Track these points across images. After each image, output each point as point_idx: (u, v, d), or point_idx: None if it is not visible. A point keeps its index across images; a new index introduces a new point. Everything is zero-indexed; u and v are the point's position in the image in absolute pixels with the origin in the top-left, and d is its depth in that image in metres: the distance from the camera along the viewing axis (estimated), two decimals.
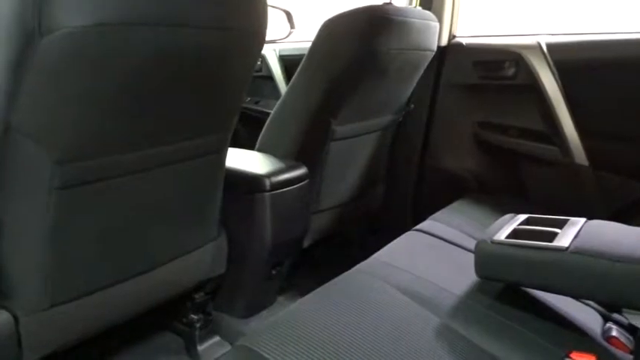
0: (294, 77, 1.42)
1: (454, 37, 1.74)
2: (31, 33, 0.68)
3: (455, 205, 1.44)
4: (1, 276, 0.86)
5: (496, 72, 1.63)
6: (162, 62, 0.84)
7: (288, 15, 2.41)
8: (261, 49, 1.03)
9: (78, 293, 0.94)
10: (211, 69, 0.94)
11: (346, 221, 1.64)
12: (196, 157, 1.05)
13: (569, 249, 0.83)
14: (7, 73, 0.73)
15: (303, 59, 1.39)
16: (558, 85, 1.49)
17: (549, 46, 1.51)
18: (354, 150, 1.54)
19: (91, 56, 0.73)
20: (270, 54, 2.10)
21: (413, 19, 1.39)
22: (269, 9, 2.41)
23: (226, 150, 1.13)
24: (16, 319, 0.87)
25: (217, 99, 1.02)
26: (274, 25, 2.42)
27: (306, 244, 1.47)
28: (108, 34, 0.73)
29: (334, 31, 1.34)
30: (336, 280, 0.95)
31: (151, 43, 0.80)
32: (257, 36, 0.99)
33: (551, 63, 1.50)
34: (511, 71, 1.59)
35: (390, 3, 1.36)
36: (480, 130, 1.73)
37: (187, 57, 0.88)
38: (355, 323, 0.81)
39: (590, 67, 1.46)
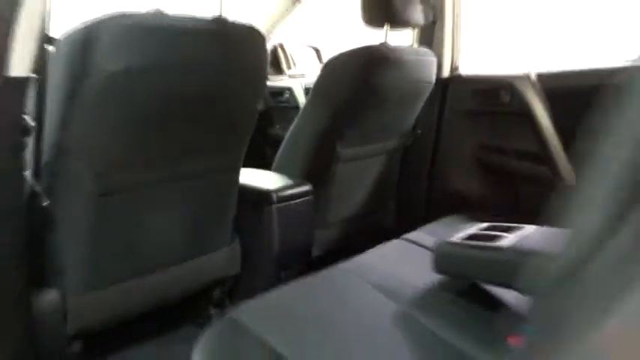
0: (303, 105, 1.64)
1: (456, 69, 1.91)
2: (79, 76, 0.94)
3: (446, 219, 1.60)
4: (55, 263, 1.11)
5: (493, 100, 1.78)
6: (179, 99, 1.08)
7: (317, 52, 2.67)
8: (264, 82, 1.26)
9: (112, 281, 1.17)
10: (222, 103, 1.17)
11: (355, 236, 1.82)
12: (212, 174, 1.28)
13: (505, 248, 0.99)
14: (64, 106, 0.99)
15: (311, 91, 1.61)
16: (547, 111, 1.64)
17: (538, 76, 1.66)
18: (360, 171, 1.73)
19: (120, 95, 0.98)
20: (297, 87, 2.34)
21: (408, 56, 1.58)
22: (301, 47, 2.68)
23: (239, 169, 1.35)
24: (63, 297, 1.11)
25: (228, 128, 1.25)
26: (306, 61, 2.68)
27: (315, 253, 1.66)
28: (134, 77, 0.98)
29: (336, 67, 1.56)
30: (319, 273, 1.14)
31: (170, 84, 1.05)
32: (259, 71, 1.22)
33: (541, 91, 1.65)
34: (506, 99, 1.74)
35: (385, 42, 1.56)
36: (482, 153, 1.87)
37: (202, 95, 1.12)
38: (329, 307, 0.99)
39: (574, 94, 1.59)
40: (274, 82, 2.42)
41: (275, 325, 0.93)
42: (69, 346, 1.16)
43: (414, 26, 1.64)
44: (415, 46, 1.75)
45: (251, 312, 0.96)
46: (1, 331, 1.05)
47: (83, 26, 0.93)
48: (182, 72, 1.05)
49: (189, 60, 1.06)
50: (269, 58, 2.41)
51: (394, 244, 1.36)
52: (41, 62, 0.96)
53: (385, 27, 1.56)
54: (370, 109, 1.58)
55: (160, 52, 0.99)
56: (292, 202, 1.46)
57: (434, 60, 1.70)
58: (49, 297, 1.10)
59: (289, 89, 2.35)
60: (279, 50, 2.57)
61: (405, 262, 1.25)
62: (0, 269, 0.99)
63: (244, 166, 1.37)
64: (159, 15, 1.02)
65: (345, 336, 0.92)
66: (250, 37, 1.15)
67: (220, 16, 1.10)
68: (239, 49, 1.14)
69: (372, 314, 1.00)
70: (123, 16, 0.95)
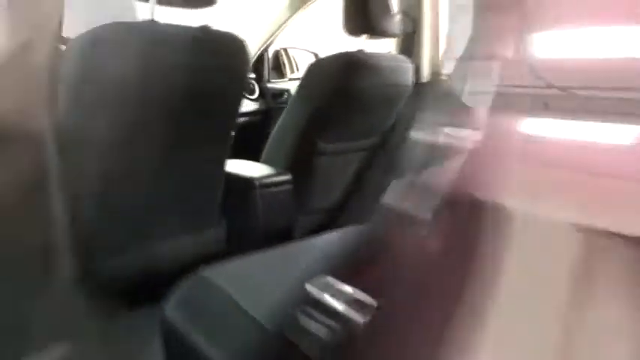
0: (288, 104, 1.83)
1: (437, 74, 2.07)
2: (83, 77, 1.15)
3: None
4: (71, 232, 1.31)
5: None
6: (171, 99, 1.27)
7: (316, 56, 2.85)
8: (244, 83, 1.45)
9: (118, 248, 1.37)
10: (209, 102, 1.36)
11: (338, 222, 1.99)
12: (201, 164, 1.47)
13: None
14: (70, 100, 1.19)
15: (295, 91, 1.79)
16: None
17: None
18: (342, 164, 1.91)
19: (118, 94, 1.18)
20: (294, 89, 2.53)
21: (384, 62, 1.76)
22: (299, 51, 2.86)
23: (225, 159, 1.54)
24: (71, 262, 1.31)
25: (215, 124, 1.44)
26: (306, 65, 2.85)
27: (297, 236, 1.83)
28: (130, 79, 1.17)
29: (317, 71, 1.74)
30: (282, 246, 1.32)
31: (162, 85, 1.24)
32: (239, 73, 1.41)
33: None
34: None
35: (362, 50, 1.73)
36: None
37: (191, 95, 1.30)
38: (283, 273, 1.17)
39: None
40: (275, 84, 2.61)
41: (239, 284, 1.11)
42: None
43: (392, 36, 1.81)
44: (394, 53, 1.92)
45: (219, 272, 1.15)
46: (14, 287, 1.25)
47: (87, 33, 1.14)
48: (173, 75, 1.25)
49: (180, 64, 1.25)
50: (270, 62, 2.62)
51: (356, 228, 1.54)
52: (55, 60, 1.16)
53: (364, 36, 1.73)
54: (348, 110, 1.75)
55: (153, 57, 1.19)
56: (273, 188, 1.65)
57: (409, 65, 1.86)
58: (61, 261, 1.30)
59: (287, 91, 2.54)
60: (282, 54, 2.75)
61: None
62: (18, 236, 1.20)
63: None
64: (152, 24, 1.22)
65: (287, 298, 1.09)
66: (231, 43, 1.35)
67: (205, 25, 1.30)
68: (221, 54, 1.33)
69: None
70: (121, 25, 1.15)
